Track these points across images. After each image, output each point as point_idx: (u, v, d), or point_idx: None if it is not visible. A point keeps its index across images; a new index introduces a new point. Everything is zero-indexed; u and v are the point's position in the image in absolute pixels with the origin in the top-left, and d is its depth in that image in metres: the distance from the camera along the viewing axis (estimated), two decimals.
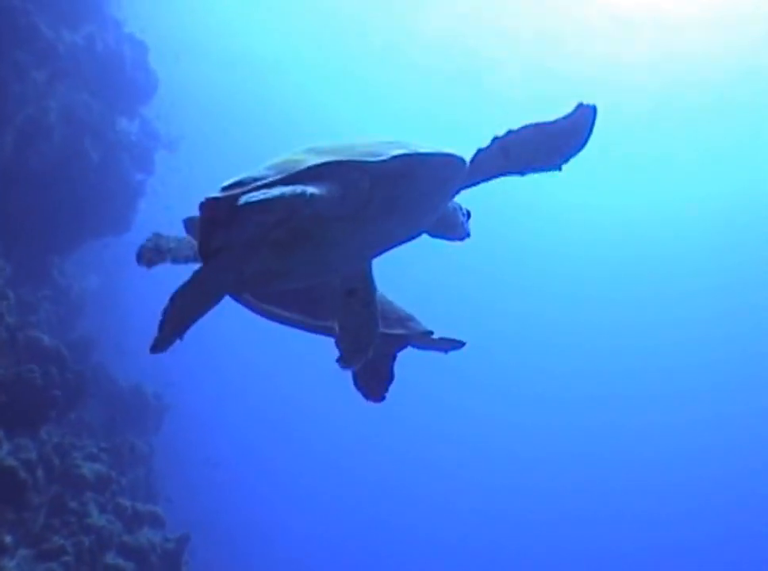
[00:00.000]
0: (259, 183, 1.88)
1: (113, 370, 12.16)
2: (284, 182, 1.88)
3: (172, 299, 2.06)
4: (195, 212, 3.06)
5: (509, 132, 2.33)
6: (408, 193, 2.18)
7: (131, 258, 2.77)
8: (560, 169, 2.41)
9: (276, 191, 1.79)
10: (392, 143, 2.15)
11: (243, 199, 1.77)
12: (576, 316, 28.08)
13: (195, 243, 2.70)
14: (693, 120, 25.07)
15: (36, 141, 9.99)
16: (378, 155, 2.04)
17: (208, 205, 1.92)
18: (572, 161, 2.38)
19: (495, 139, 2.34)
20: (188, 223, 3.05)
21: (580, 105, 2.33)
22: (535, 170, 2.41)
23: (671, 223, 27.37)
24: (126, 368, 12.75)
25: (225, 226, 1.94)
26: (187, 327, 2.08)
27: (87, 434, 10.02)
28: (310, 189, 1.83)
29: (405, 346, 2.79)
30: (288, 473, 23.55)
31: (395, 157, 2.06)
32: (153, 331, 2.06)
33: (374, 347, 2.45)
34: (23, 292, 10.01)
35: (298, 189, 1.81)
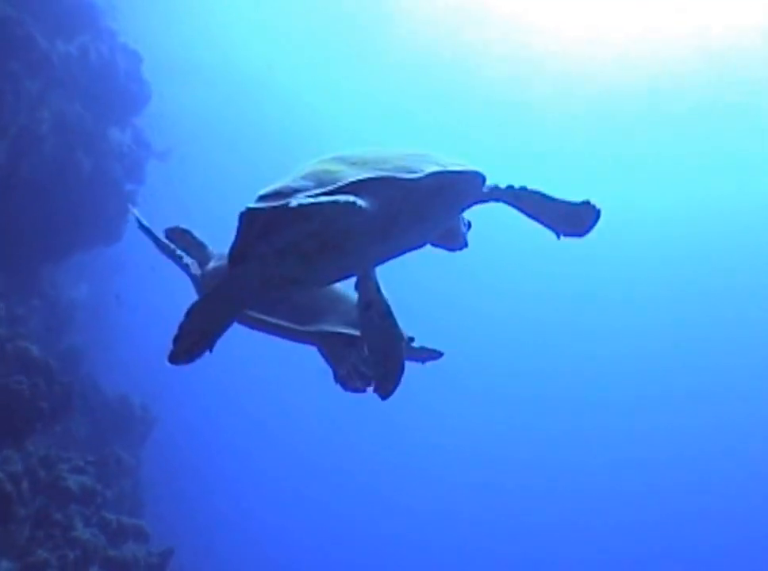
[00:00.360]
0: (301, 194, 1.90)
1: (101, 381, 12.07)
2: (327, 195, 1.90)
3: (190, 312, 2.07)
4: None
5: (523, 188, 2.44)
6: (433, 207, 2.25)
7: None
8: (558, 237, 2.49)
9: (329, 198, 1.85)
10: (421, 157, 2.20)
11: (296, 201, 1.81)
12: (574, 318, 27.90)
13: (173, 247, 2.96)
14: (694, 121, 25.15)
15: (28, 151, 9.97)
16: (415, 172, 2.10)
17: (250, 214, 1.93)
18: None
19: (510, 187, 2.44)
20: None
21: (586, 203, 2.40)
22: (539, 222, 2.52)
23: (671, 225, 27.21)
24: (116, 378, 12.67)
25: (264, 234, 1.98)
26: (215, 337, 2.10)
27: (74, 446, 9.92)
28: (360, 201, 1.88)
29: None
30: (279, 481, 23.39)
31: (430, 174, 2.13)
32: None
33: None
34: (13, 302, 9.95)
35: (350, 198, 1.86)
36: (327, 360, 2.80)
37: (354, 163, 2.07)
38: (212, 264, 2.98)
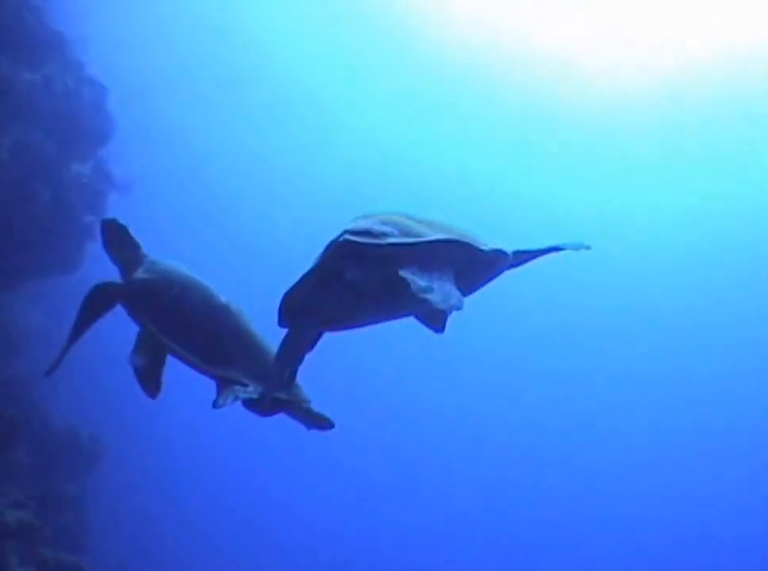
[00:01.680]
0: (390, 240, 2.03)
1: (49, 411, 11.77)
2: (411, 245, 2.05)
3: (277, 361, 2.18)
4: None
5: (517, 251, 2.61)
6: (476, 278, 2.39)
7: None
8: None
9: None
10: (470, 231, 2.32)
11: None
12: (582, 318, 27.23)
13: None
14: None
15: None
16: (483, 244, 2.26)
17: (346, 244, 2.04)
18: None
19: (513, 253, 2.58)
20: (105, 224, 3.05)
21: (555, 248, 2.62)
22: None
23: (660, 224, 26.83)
24: (66, 408, 12.38)
25: (352, 264, 2.08)
26: (294, 377, 2.25)
27: (15, 479, 9.60)
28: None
29: (279, 411, 2.77)
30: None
31: (493, 250, 2.31)
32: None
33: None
34: None
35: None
36: (217, 386, 2.81)
37: (420, 222, 2.19)
38: (140, 273, 2.91)
